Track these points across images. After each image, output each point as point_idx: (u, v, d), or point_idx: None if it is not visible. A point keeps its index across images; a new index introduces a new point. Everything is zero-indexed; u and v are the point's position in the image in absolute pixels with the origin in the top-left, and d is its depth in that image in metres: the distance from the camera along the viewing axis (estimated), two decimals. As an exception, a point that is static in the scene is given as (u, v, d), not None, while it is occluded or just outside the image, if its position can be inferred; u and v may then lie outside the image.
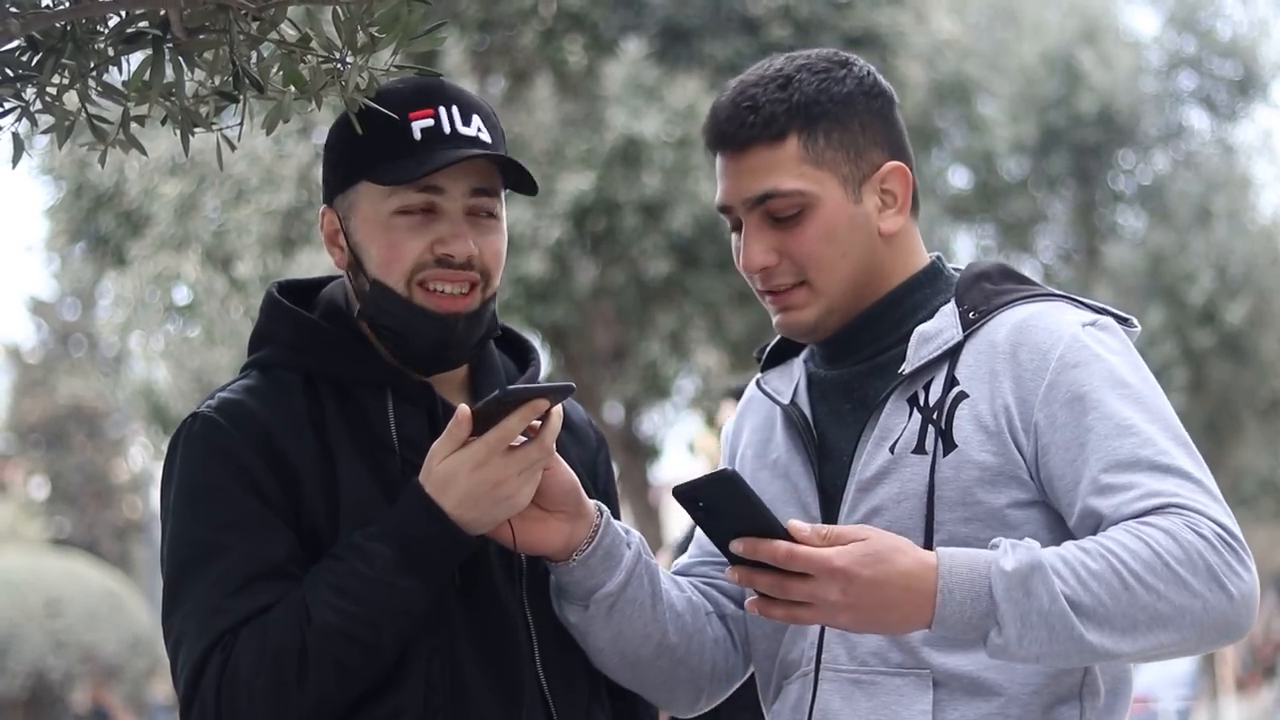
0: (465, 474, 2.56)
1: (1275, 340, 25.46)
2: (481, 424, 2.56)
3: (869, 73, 2.76)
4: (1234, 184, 26.01)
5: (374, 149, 2.68)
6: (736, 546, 2.48)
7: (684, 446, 21.69)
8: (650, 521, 18.73)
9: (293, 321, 2.75)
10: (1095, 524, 2.53)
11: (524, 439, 2.59)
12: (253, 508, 2.61)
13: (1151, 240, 25.65)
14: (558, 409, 2.60)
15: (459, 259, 2.68)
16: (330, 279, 2.85)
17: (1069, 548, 2.48)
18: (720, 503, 2.48)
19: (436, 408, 2.71)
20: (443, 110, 2.70)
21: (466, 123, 2.71)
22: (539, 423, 2.59)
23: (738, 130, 2.70)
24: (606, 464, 2.93)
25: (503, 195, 2.75)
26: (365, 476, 2.65)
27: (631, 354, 18.00)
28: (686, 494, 2.49)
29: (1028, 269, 27.08)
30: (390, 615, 2.57)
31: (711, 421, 18.77)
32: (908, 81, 18.06)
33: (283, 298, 2.78)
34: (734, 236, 2.76)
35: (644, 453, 20.00)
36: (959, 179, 26.94)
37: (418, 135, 2.68)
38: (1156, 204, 26.18)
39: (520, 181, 2.74)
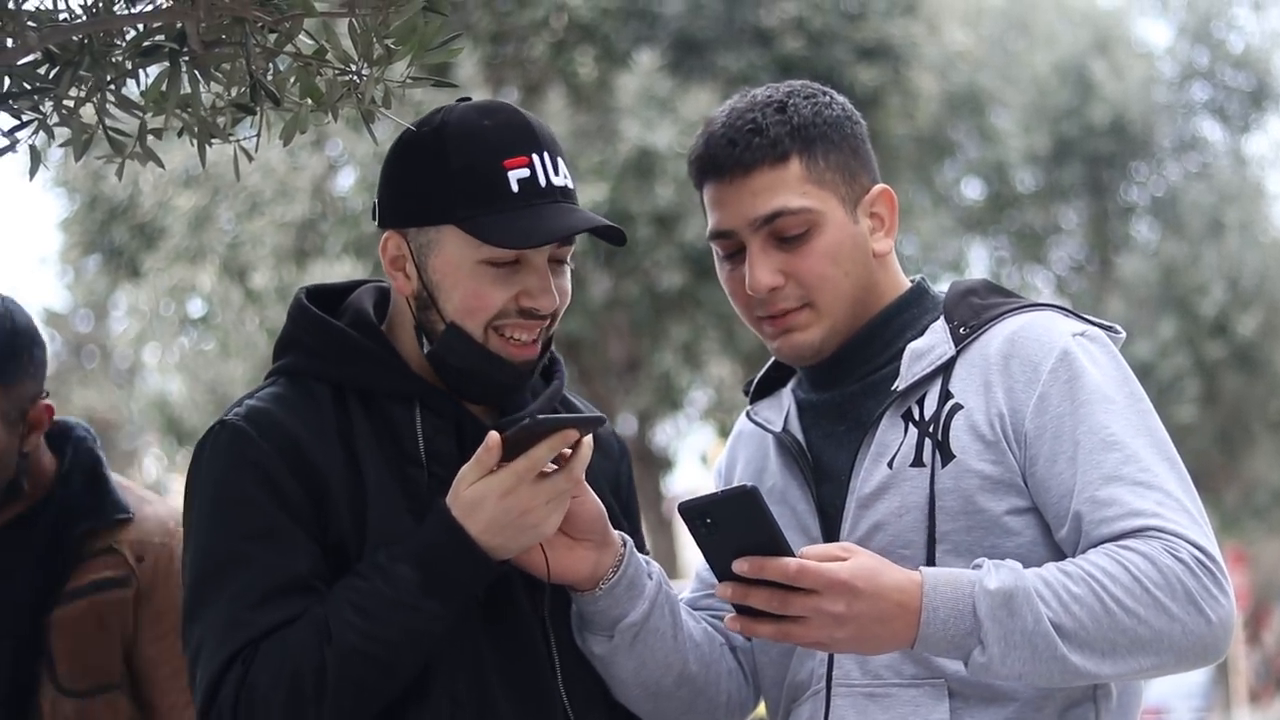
0: (493, 500, 2.55)
1: (1288, 352, 25.42)
2: (511, 450, 2.54)
3: (846, 101, 2.80)
4: (1247, 195, 26.00)
5: (467, 197, 2.62)
6: (741, 566, 2.47)
7: (697, 458, 21.70)
8: (663, 534, 18.73)
9: (320, 329, 2.72)
10: (1078, 537, 2.56)
11: (553, 467, 2.57)
12: (278, 519, 2.59)
13: (1164, 251, 25.63)
14: (588, 439, 2.59)
15: (544, 312, 2.66)
16: (358, 284, 2.83)
17: (1050, 570, 2.51)
18: (733, 519, 2.46)
19: (464, 421, 2.70)
20: (536, 158, 2.64)
21: (556, 170, 2.66)
22: (568, 451, 2.57)
23: (742, 153, 2.71)
24: (629, 474, 2.92)
25: None
26: (393, 490, 2.64)
27: (645, 365, 18.00)
28: (698, 510, 2.47)
29: (1040, 280, 27.10)
30: (410, 637, 2.55)
31: (725, 433, 18.77)
32: (920, 92, 18.08)
33: (311, 304, 2.75)
34: (725, 266, 2.76)
35: (657, 464, 19.99)
36: (972, 190, 26.93)
37: (514, 187, 2.62)
38: (1169, 215, 26.16)
39: (607, 232, 2.68)
